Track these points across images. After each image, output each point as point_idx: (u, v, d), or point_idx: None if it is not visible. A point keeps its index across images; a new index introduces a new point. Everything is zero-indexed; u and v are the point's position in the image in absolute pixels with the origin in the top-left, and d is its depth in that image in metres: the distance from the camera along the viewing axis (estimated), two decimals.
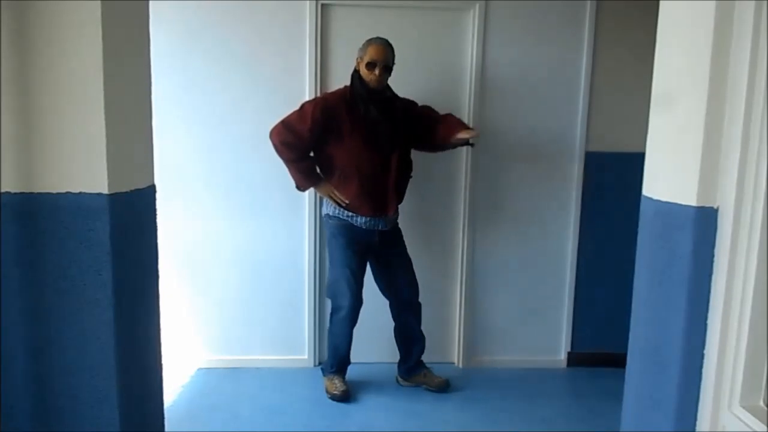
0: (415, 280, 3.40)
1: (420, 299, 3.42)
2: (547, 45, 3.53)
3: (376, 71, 3.10)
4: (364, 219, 3.22)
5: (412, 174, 3.34)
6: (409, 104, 3.32)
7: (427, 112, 3.31)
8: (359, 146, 3.14)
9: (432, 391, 3.42)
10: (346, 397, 3.28)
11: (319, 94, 3.39)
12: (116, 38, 1.54)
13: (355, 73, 3.18)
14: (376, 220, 3.24)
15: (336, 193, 3.19)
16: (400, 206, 3.32)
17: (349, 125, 3.13)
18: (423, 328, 3.45)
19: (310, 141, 3.14)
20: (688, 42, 1.52)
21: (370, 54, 3.11)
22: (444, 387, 3.43)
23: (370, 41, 3.15)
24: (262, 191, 3.54)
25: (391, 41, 3.16)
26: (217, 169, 3.52)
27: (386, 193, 3.22)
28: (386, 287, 3.40)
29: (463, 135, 3.10)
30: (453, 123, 3.22)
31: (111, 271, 1.56)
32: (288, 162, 3.15)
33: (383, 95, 3.18)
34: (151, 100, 1.75)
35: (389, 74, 3.16)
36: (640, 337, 1.71)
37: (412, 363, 3.47)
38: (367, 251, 3.29)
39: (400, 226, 3.38)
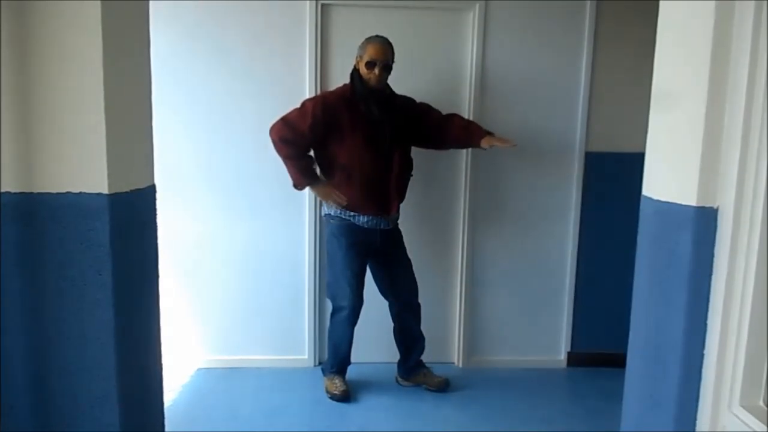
0: (415, 281, 3.40)
1: (420, 299, 3.42)
2: (547, 45, 3.53)
3: (376, 70, 3.09)
4: (366, 218, 3.22)
5: (412, 173, 3.34)
6: (408, 102, 3.32)
7: (429, 111, 3.31)
8: (361, 145, 3.14)
9: (432, 391, 3.42)
10: (346, 397, 3.28)
11: (319, 94, 3.39)
12: (116, 38, 1.54)
13: (355, 72, 3.16)
14: (378, 219, 3.23)
15: (336, 192, 3.19)
16: (400, 206, 3.32)
17: (350, 124, 3.12)
18: (423, 328, 3.45)
19: (310, 139, 3.13)
20: (688, 42, 1.51)
21: (370, 53, 3.10)
22: (444, 387, 3.43)
23: (369, 40, 3.14)
24: (262, 191, 3.53)
25: (391, 41, 3.16)
26: (217, 169, 3.52)
27: (388, 192, 3.21)
28: (386, 288, 3.39)
29: (500, 145, 3.15)
30: (474, 129, 3.25)
31: (111, 271, 1.56)
32: (286, 159, 3.14)
33: (383, 94, 3.18)
34: (151, 100, 1.74)
35: (389, 73, 3.15)
36: (640, 337, 1.71)
37: (411, 363, 3.47)
38: (368, 251, 3.28)
39: (400, 226, 3.38)
